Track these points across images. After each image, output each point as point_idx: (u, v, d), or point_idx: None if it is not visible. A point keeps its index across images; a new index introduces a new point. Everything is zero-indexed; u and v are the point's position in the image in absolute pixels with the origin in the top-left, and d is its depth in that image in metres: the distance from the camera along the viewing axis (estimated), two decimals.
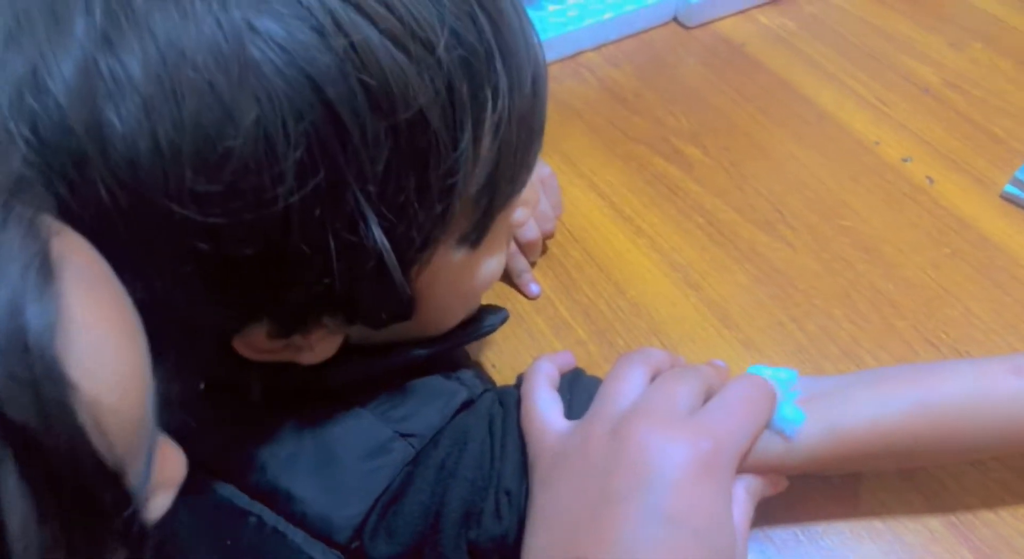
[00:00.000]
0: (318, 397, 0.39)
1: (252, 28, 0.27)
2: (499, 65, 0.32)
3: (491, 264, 0.40)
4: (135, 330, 0.25)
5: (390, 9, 0.29)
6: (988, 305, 0.55)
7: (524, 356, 0.55)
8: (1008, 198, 0.61)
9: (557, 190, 0.61)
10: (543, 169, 0.60)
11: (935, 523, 0.45)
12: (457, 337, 0.43)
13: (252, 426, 0.39)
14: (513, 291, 0.59)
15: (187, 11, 0.27)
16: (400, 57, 0.29)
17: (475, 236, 0.37)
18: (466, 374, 0.43)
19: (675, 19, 0.80)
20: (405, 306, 0.36)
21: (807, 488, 0.45)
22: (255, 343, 0.34)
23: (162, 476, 0.26)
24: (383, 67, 0.29)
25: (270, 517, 0.38)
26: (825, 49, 0.75)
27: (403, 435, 0.39)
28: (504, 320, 0.46)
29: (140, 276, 0.29)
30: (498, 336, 0.53)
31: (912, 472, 0.47)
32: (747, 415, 0.38)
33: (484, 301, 0.47)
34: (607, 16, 0.76)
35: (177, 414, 0.41)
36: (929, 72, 0.72)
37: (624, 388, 0.39)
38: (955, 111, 0.68)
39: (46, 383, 0.20)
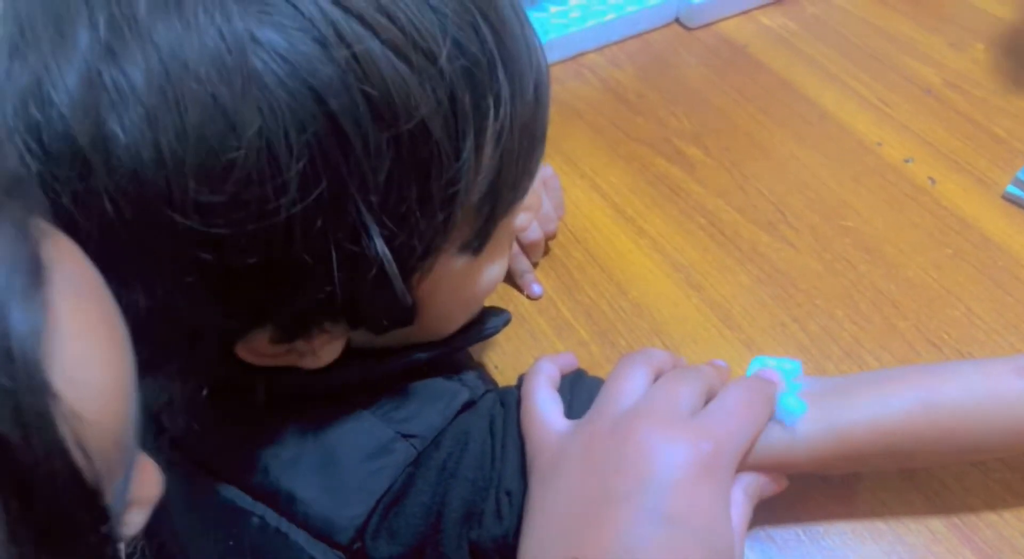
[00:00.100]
0: (320, 399, 0.39)
1: (255, 39, 0.28)
2: (501, 74, 0.32)
3: (493, 270, 0.40)
4: (122, 341, 0.24)
5: (392, 20, 0.29)
6: (990, 305, 0.55)
7: (526, 357, 0.55)
8: (1010, 198, 0.61)
9: (559, 191, 0.61)
10: (545, 170, 0.60)
11: (937, 524, 0.45)
12: (459, 340, 0.43)
13: (255, 428, 0.39)
14: (515, 292, 0.59)
15: (190, 22, 0.27)
16: (402, 67, 0.29)
17: (477, 243, 0.37)
18: (468, 375, 0.43)
19: (677, 20, 0.80)
20: (407, 313, 0.36)
21: (809, 488, 0.46)
22: (258, 348, 0.35)
23: (139, 493, 0.25)
24: (385, 78, 0.29)
25: (273, 518, 0.38)
26: (827, 50, 0.75)
27: (405, 436, 0.39)
28: (506, 322, 0.46)
29: (143, 283, 0.29)
30: (500, 337, 0.53)
31: (914, 472, 0.47)
32: (747, 416, 0.38)
33: (486, 302, 0.47)
34: (609, 17, 0.77)
35: (181, 417, 0.41)
36: (931, 73, 0.72)
37: (626, 388, 0.39)
38: (957, 112, 0.68)
39: (27, 392, 0.20)
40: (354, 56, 0.28)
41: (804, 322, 0.55)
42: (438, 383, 0.42)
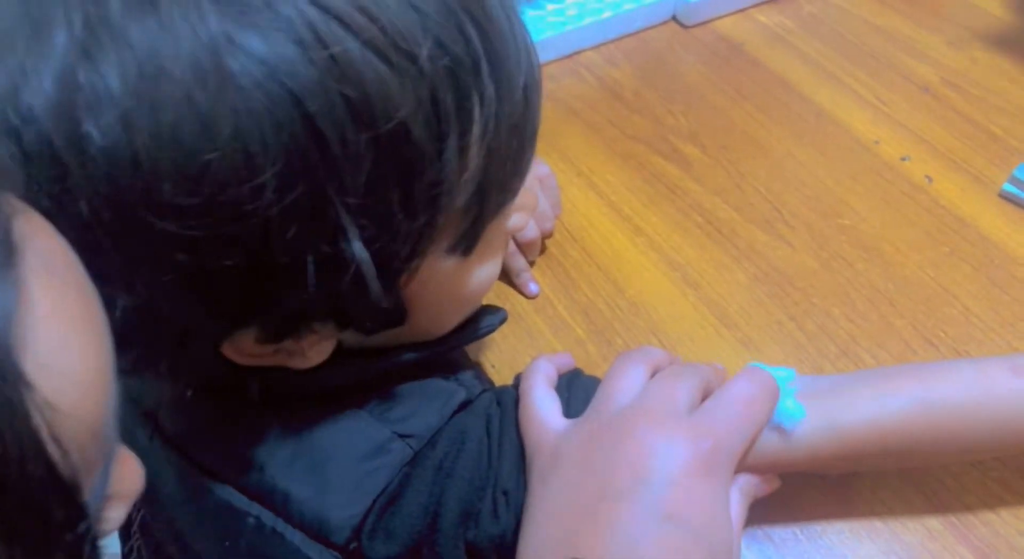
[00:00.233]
0: (316, 399, 0.39)
1: (231, 41, 0.27)
2: (487, 74, 0.32)
3: (485, 271, 0.40)
4: (100, 327, 0.23)
5: (372, 20, 0.29)
6: (987, 303, 0.55)
7: (523, 355, 0.55)
8: (1006, 197, 0.61)
9: (556, 189, 0.61)
10: (541, 168, 0.60)
11: (934, 522, 0.45)
12: (453, 340, 0.43)
13: (250, 427, 0.39)
14: (512, 290, 0.59)
15: (165, 23, 0.27)
16: (382, 68, 0.29)
17: (465, 245, 0.37)
18: (465, 375, 0.43)
19: (674, 18, 0.80)
20: (395, 314, 0.36)
21: (806, 487, 0.46)
22: (244, 348, 0.34)
23: (118, 488, 0.24)
24: (364, 79, 0.29)
25: (268, 518, 0.38)
26: (824, 48, 0.75)
27: (401, 436, 0.39)
28: (502, 321, 0.46)
29: (124, 283, 0.29)
30: (497, 336, 0.53)
31: (911, 471, 0.47)
32: (747, 414, 0.38)
33: (484, 299, 0.47)
34: (606, 15, 0.76)
35: (176, 416, 0.41)
36: (928, 71, 0.72)
37: (623, 386, 0.39)
38: (954, 110, 0.68)
39: None
40: (332, 57, 0.28)
41: (801, 320, 0.55)
42: (435, 383, 0.42)
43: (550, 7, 0.77)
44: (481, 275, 0.40)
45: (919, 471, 0.47)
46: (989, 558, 0.44)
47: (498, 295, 0.58)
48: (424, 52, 0.30)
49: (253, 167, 0.28)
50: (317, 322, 0.35)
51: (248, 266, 0.30)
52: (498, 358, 0.55)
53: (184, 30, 0.27)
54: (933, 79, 0.71)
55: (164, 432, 0.41)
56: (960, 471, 0.47)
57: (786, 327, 0.55)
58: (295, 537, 0.37)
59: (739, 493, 0.38)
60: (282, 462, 0.38)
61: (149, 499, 0.43)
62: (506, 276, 0.59)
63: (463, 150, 0.32)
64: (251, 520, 0.38)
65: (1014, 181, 0.61)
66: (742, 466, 0.38)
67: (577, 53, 0.77)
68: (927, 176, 0.63)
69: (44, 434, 0.19)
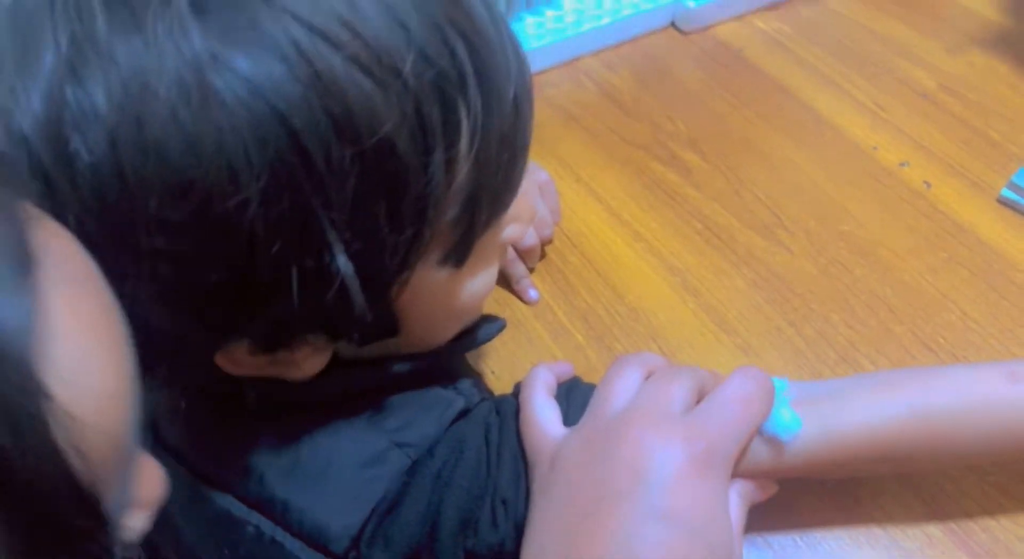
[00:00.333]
0: (315, 407, 0.39)
1: (215, 58, 0.27)
2: (474, 86, 0.32)
3: (478, 282, 0.40)
4: (120, 336, 0.23)
5: (355, 35, 0.29)
6: (985, 309, 0.55)
7: (523, 362, 0.55)
8: (1005, 202, 0.61)
9: (555, 196, 0.61)
10: (541, 175, 0.60)
11: (933, 528, 0.45)
12: (450, 349, 0.43)
13: (249, 436, 0.39)
14: (512, 297, 0.59)
15: (150, 41, 0.27)
16: (365, 83, 0.29)
17: (457, 257, 0.37)
18: (464, 383, 0.43)
19: (673, 24, 0.80)
20: (388, 325, 0.36)
21: (806, 494, 0.46)
22: (238, 359, 0.34)
23: (141, 495, 0.24)
24: (348, 94, 0.29)
25: (268, 527, 0.38)
26: (822, 54, 0.76)
27: (399, 445, 0.39)
28: (500, 329, 0.46)
29: (117, 297, 0.29)
30: (497, 342, 0.53)
31: (910, 477, 0.47)
32: (743, 413, 0.38)
33: (484, 307, 0.47)
34: (605, 21, 0.77)
35: (176, 425, 0.41)
36: (926, 77, 0.72)
37: (618, 390, 0.39)
38: (952, 115, 0.69)
39: (19, 393, 0.18)
40: (316, 73, 0.28)
41: (800, 326, 0.55)
42: (433, 392, 0.42)
43: (549, 14, 0.77)
44: (474, 286, 0.40)
45: (918, 477, 0.47)
46: None
47: (498, 302, 0.58)
48: (408, 66, 0.29)
49: (238, 183, 0.28)
50: (309, 334, 0.35)
51: (234, 280, 0.30)
52: (498, 365, 0.55)
53: (169, 47, 0.27)
54: (931, 85, 0.72)
55: (164, 441, 0.41)
56: (959, 477, 0.47)
57: (785, 333, 0.55)
58: (294, 546, 0.37)
59: (737, 497, 0.38)
60: (281, 471, 0.38)
61: None
62: (506, 282, 0.59)
63: (450, 163, 0.32)
64: (250, 528, 0.38)
65: (1012, 186, 0.61)
66: (737, 473, 0.38)
67: (576, 59, 0.77)
68: (926, 182, 0.64)
69: (65, 446, 0.19)
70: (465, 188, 0.34)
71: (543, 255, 0.61)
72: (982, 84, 0.71)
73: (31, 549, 0.19)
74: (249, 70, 0.28)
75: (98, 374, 0.21)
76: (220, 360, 0.34)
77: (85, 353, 0.21)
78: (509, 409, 0.42)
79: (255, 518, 0.38)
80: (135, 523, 0.24)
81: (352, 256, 0.31)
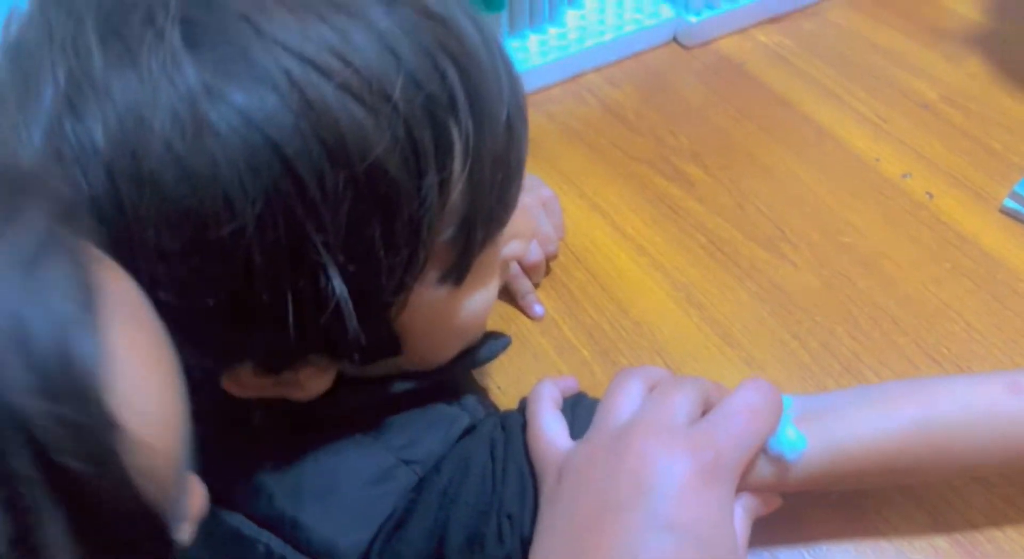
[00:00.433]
0: (321, 426, 0.40)
1: (208, 90, 0.28)
2: (465, 108, 0.33)
3: (479, 299, 0.40)
4: (171, 362, 0.24)
5: (346, 63, 0.30)
6: (989, 320, 0.55)
7: (529, 377, 0.55)
8: (1007, 212, 0.61)
9: (559, 212, 0.61)
10: (545, 191, 0.61)
11: (940, 541, 0.45)
12: (454, 367, 0.43)
13: (257, 456, 0.39)
14: (517, 313, 0.59)
15: (144, 75, 0.28)
16: (357, 110, 0.30)
17: (456, 275, 0.37)
18: (468, 400, 0.44)
19: (675, 39, 0.81)
20: (389, 344, 0.37)
21: (812, 506, 0.46)
22: (243, 381, 0.35)
23: (190, 510, 0.25)
24: (339, 121, 0.29)
25: (277, 545, 0.38)
26: (824, 66, 0.76)
27: (406, 462, 0.39)
28: (505, 347, 0.47)
29: None
30: (504, 358, 0.54)
31: (916, 490, 0.47)
32: (749, 424, 0.38)
33: (490, 322, 0.48)
34: (607, 37, 0.77)
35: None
36: (927, 87, 0.73)
37: (622, 402, 0.39)
38: (954, 126, 0.69)
39: (96, 425, 0.19)
40: (307, 102, 0.29)
41: (804, 339, 0.55)
42: (438, 409, 0.42)
43: (552, 31, 0.78)
44: (474, 304, 0.40)
45: (924, 490, 0.47)
46: None
47: (504, 317, 0.59)
48: (398, 91, 0.30)
49: (233, 210, 0.29)
50: (311, 355, 0.35)
51: (233, 304, 0.31)
52: (504, 380, 0.55)
53: (163, 81, 0.28)
54: (932, 96, 0.72)
55: None
56: (964, 488, 0.47)
57: (789, 346, 0.55)
58: None
59: (742, 511, 0.38)
60: (289, 490, 0.39)
61: None
62: (511, 298, 0.59)
63: (444, 185, 0.33)
64: (260, 547, 0.38)
65: (1015, 197, 0.61)
66: (742, 488, 0.39)
67: (579, 75, 0.78)
68: (928, 193, 0.64)
69: (136, 473, 0.20)
70: (460, 209, 0.35)
71: (548, 271, 0.61)
72: (983, 94, 0.71)
73: None
74: (242, 101, 0.28)
75: (157, 401, 0.23)
76: (226, 383, 0.35)
77: (145, 382, 0.22)
78: (514, 425, 0.42)
79: (265, 537, 0.38)
80: (183, 537, 0.25)
81: (348, 278, 0.32)
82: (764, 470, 0.39)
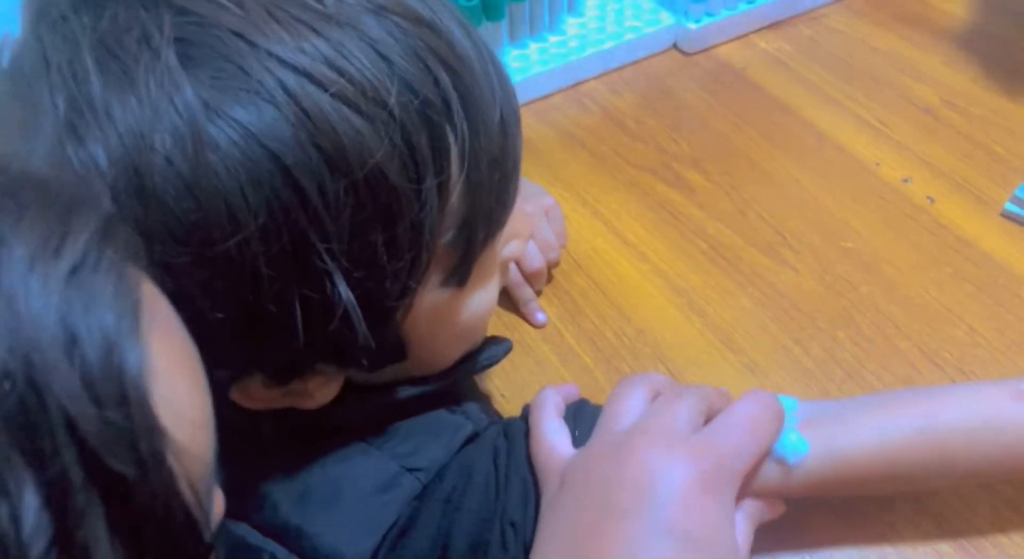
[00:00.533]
0: (327, 435, 0.40)
1: (207, 106, 0.29)
2: (459, 112, 0.33)
3: (482, 298, 0.41)
4: (201, 374, 0.25)
5: (340, 73, 0.30)
6: (991, 323, 0.55)
7: (532, 384, 0.55)
8: (1008, 216, 0.61)
9: (561, 219, 0.62)
10: (547, 199, 0.61)
11: (945, 546, 0.45)
12: (457, 372, 0.43)
13: (263, 465, 0.40)
14: (520, 320, 0.59)
15: (143, 96, 0.29)
16: (353, 118, 0.30)
17: (458, 277, 0.38)
18: (471, 407, 0.44)
19: (675, 46, 0.81)
20: (395, 350, 0.37)
21: (815, 512, 0.46)
22: (253, 393, 0.36)
23: (214, 514, 0.26)
24: (336, 130, 0.30)
25: (283, 554, 0.38)
26: (824, 72, 0.76)
27: (410, 470, 0.39)
28: (507, 351, 0.47)
29: None
30: (506, 365, 0.54)
31: (920, 495, 0.47)
32: (751, 433, 0.38)
33: (491, 331, 0.48)
34: (608, 45, 0.78)
35: None
36: (928, 91, 0.73)
37: (625, 409, 0.40)
38: (954, 130, 0.69)
39: (143, 432, 0.20)
40: (304, 113, 0.29)
41: (806, 344, 0.55)
42: (441, 416, 0.42)
43: (552, 39, 0.78)
44: (475, 304, 0.41)
45: (928, 495, 0.47)
46: None
47: (506, 325, 0.59)
48: (393, 98, 0.31)
49: (237, 223, 0.29)
50: (319, 363, 0.36)
51: (241, 315, 0.31)
52: (508, 387, 0.55)
53: (162, 101, 0.29)
54: (933, 100, 0.72)
55: None
56: (969, 493, 0.47)
57: (792, 351, 0.55)
58: None
59: (744, 517, 0.38)
60: (294, 499, 0.39)
61: None
62: (513, 306, 0.60)
63: (442, 187, 0.34)
64: (266, 556, 0.38)
65: (1016, 200, 0.61)
66: (745, 492, 0.39)
67: (580, 83, 0.78)
68: (929, 197, 0.64)
69: (180, 477, 0.21)
70: (459, 211, 0.35)
71: (550, 278, 0.61)
72: (984, 98, 0.72)
73: None
74: (240, 114, 0.29)
75: (190, 406, 0.23)
76: (235, 395, 0.35)
77: (181, 389, 0.23)
78: (517, 432, 0.42)
79: (271, 546, 0.39)
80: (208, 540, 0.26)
81: (354, 284, 0.32)
82: (768, 475, 0.39)
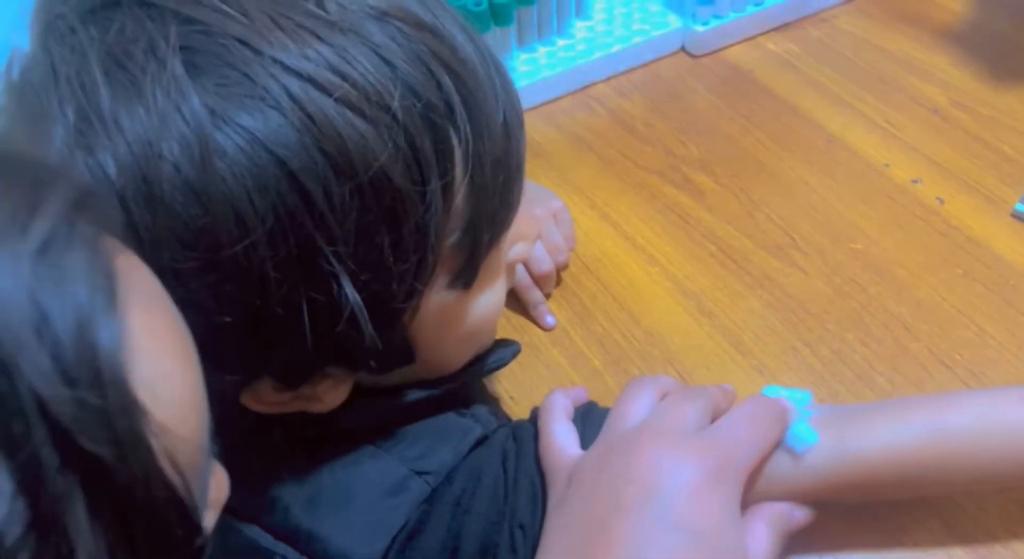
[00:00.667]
0: (336, 438, 0.40)
1: (213, 113, 0.29)
2: (462, 114, 0.34)
3: (488, 300, 0.41)
4: (191, 352, 0.25)
5: (344, 78, 0.31)
6: (1002, 325, 0.55)
7: (541, 388, 0.55)
8: (1019, 217, 0.61)
9: (570, 222, 0.62)
10: (555, 202, 0.62)
11: (958, 551, 0.45)
12: (465, 374, 0.44)
13: (274, 469, 0.40)
14: (529, 323, 0.60)
15: (150, 105, 0.29)
16: (357, 122, 0.31)
17: (464, 279, 0.38)
18: (480, 410, 0.44)
19: (683, 48, 0.81)
20: (403, 352, 0.37)
21: (827, 515, 0.45)
22: (263, 398, 0.36)
23: (212, 496, 0.26)
24: (341, 134, 0.30)
25: (294, 556, 0.39)
26: (832, 73, 0.76)
27: (419, 473, 0.40)
28: (515, 354, 0.47)
29: None
30: (515, 368, 0.54)
31: (932, 499, 0.47)
32: (754, 431, 0.38)
33: (500, 334, 0.48)
34: (616, 48, 0.78)
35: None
36: (936, 92, 0.73)
37: (633, 409, 0.40)
38: (964, 130, 0.69)
39: (119, 411, 0.19)
40: (309, 118, 0.30)
41: (816, 346, 0.55)
42: (450, 419, 0.43)
43: (560, 43, 0.79)
44: (482, 306, 0.41)
45: (939, 499, 0.47)
46: None
47: (515, 328, 0.59)
48: (396, 101, 0.31)
49: (244, 228, 0.30)
50: (328, 366, 0.36)
51: (250, 320, 0.31)
52: (517, 390, 0.56)
53: (169, 110, 0.29)
54: (942, 100, 0.72)
55: None
56: (981, 497, 0.47)
57: (801, 353, 0.55)
58: None
59: (766, 526, 0.38)
60: (305, 502, 0.39)
61: None
62: (522, 309, 0.60)
63: (447, 189, 0.34)
64: None
65: None
66: (755, 493, 0.39)
67: (588, 87, 0.78)
68: (939, 198, 0.64)
69: (162, 457, 0.20)
70: (464, 212, 0.36)
71: (559, 281, 0.62)
72: (992, 98, 0.71)
73: (133, 555, 0.20)
74: (246, 121, 0.30)
75: (178, 386, 0.23)
76: (245, 399, 0.36)
77: (165, 366, 0.22)
78: (526, 435, 0.43)
79: (282, 549, 0.39)
80: (207, 523, 0.25)
81: (360, 287, 0.32)
82: (777, 474, 0.39)
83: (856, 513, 0.46)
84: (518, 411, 0.54)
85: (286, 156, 0.30)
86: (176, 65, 0.29)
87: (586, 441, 0.42)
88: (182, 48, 0.30)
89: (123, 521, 0.20)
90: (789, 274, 0.60)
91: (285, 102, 0.30)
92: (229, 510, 0.41)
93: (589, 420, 0.43)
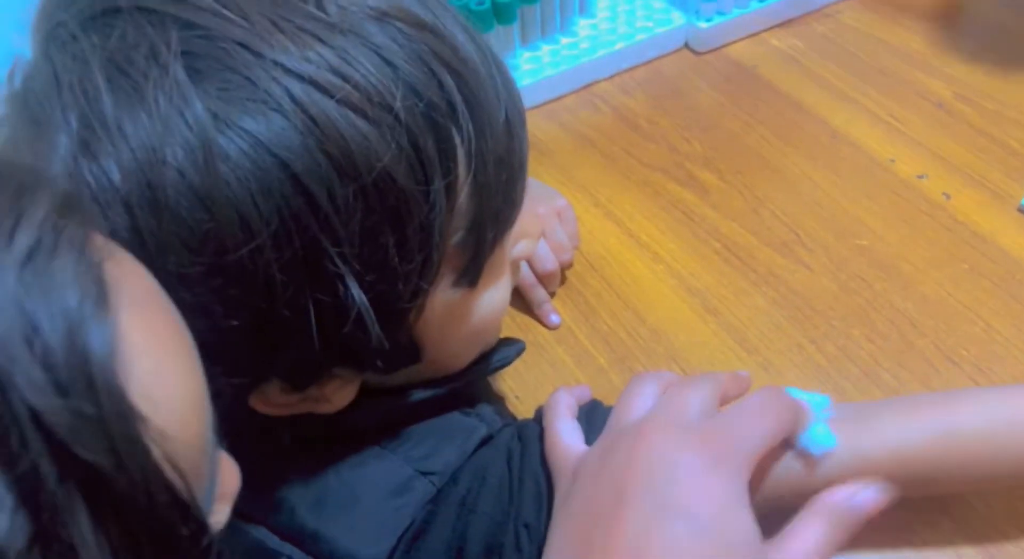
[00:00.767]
0: (342, 439, 0.41)
1: (216, 117, 0.29)
2: (464, 113, 0.34)
3: (493, 298, 0.41)
4: (191, 352, 0.25)
5: (345, 79, 0.31)
6: (1009, 320, 0.55)
7: (546, 386, 0.55)
8: None
9: (574, 221, 0.62)
10: (559, 200, 0.62)
11: (967, 549, 0.45)
12: (470, 373, 0.44)
13: (280, 470, 0.40)
14: (534, 322, 0.60)
15: (153, 112, 0.29)
16: (359, 123, 0.31)
17: (469, 277, 0.38)
18: (485, 410, 0.44)
19: (686, 45, 0.81)
20: (410, 351, 0.37)
21: None
22: (272, 400, 0.36)
23: (223, 489, 0.26)
24: (344, 135, 0.30)
25: (300, 557, 0.39)
26: (837, 68, 0.76)
27: (424, 473, 0.40)
28: (520, 352, 0.47)
29: None
30: (520, 367, 0.54)
31: (940, 497, 0.46)
32: (762, 421, 0.37)
33: (505, 332, 0.48)
34: (619, 46, 0.78)
35: None
36: (941, 87, 0.72)
37: (636, 403, 0.40)
38: (969, 125, 0.69)
39: (115, 418, 0.19)
40: (312, 120, 0.30)
41: (821, 343, 0.55)
42: (455, 419, 0.43)
43: (564, 40, 0.78)
44: (488, 302, 0.41)
45: (949, 497, 0.46)
46: None
47: (520, 326, 0.59)
48: (398, 102, 0.31)
49: (249, 231, 0.30)
50: (336, 367, 0.36)
51: (256, 323, 0.31)
52: (522, 389, 0.56)
53: (172, 115, 0.29)
54: (947, 95, 0.72)
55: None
56: (990, 495, 0.46)
57: (806, 350, 0.55)
58: None
59: (819, 521, 0.35)
60: (311, 503, 0.39)
61: None
62: (527, 307, 0.60)
63: (450, 189, 0.34)
64: None
65: None
66: (766, 492, 0.39)
67: (592, 84, 0.78)
68: (944, 193, 0.64)
69: (161, 462, 0.20)
70: (467, 211, 0.36)
71: (563, 280, 0.61)
72: (998, 92, 0.71)
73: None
74: (249, 124, 0.30)
75: (177, 388, 0.23)
76: (253, 401, 0.36)
77: (163, 369, 0.22)
78: (531, 434, 0.43)
79: (288, 549, 0.39)
80: (219, 517, 0.25)
81: (366, 287, 0.32)
82: (791, 471, 0.39)
83: None
84: (523, 410, 0.54)
85: (289, 159, 0.30)
86: (178, 70, 0.30)
87: (591, 439, 0.42)
88: (183, 53, 0.30)
89: (127, 528, 0.20)
90: (794, 271, 0.60)
91: (287, 105, 0.30)
92: (235, 511, 0.41)
93: (593, 418, 0.43)
